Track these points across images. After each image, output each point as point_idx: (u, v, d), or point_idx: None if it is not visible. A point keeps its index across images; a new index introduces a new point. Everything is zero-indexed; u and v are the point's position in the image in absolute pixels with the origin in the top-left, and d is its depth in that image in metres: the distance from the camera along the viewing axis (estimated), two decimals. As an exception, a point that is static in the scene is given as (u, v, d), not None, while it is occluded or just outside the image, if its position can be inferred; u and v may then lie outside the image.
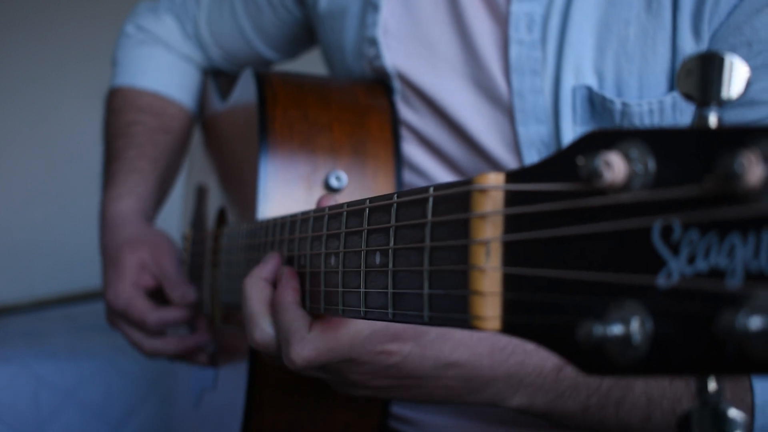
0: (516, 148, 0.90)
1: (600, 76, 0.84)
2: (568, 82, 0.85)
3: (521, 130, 0.88)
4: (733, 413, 0.35)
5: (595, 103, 0.84)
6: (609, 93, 0.83)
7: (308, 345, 0.65)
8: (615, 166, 0.35)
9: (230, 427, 0.97)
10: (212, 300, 1.17)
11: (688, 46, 0.79)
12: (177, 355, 1.08)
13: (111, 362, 1.67)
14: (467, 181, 0.44)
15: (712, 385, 0.36)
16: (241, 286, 0.72)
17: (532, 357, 0.71)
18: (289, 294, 0.68)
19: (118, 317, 1.07)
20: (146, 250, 1.07)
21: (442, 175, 0.97)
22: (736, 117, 0.77)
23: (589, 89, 0.84)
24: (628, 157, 0.36)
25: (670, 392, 0.72)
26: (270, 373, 0.91)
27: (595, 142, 0.37)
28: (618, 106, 0.82)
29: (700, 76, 0.37)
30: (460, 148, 0.95)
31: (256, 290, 0.71)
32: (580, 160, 0.36)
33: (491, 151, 0.92)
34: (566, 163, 0.38)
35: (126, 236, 1.10)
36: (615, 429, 0.75)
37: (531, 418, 0.91)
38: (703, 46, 0.78)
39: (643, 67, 0.81)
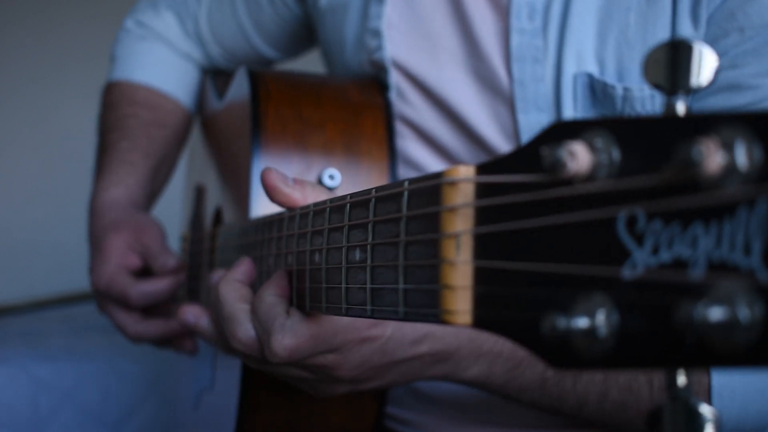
0: (516, 137, 0.90)
1: (601, 63, 0.84)
2: (570, 70, 0.85)
3: (522, 118, 0.88)
4: (704, 408, 0.35)
5: (596, 90, 0.84)
6: (611, 80, 0.83)
7: (289, 332, 0.64)
8: (579, 156, 0.35)
9: (226, 429, 0.96)
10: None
11: (687, 33, 0.79)
12: (162, 338, 1.07)
13: (109, 363, 1.66)
14: (438, 174, 0.44)
15: (681, 379, 0.35)
16: (215, 292, 0.71)
17: None
18: (272, 288, 0.67)
19: (103, 299, 1.06)
20: (130, 231, 1.06)
21: (441, 168, 0.97)
22: (723, 102, 0.77)
23: (590, 76, 0.84)
24: (592, 147, 0.35)
25: None
26: (264, 374, 0.90)
27: (560, 133, 0.37)
28: (620, 91, 0.82)
29: (668, 65, 0.36)
30: (459, 139, 0.95)
31: (231, 291, 0.70)
32: (544, 150, 0.36)
33: (490, 142, 0.92)
34: (534, 153, 0.38)
35: (110, 221, 1.09)
36: (573, 406, 0.75)
37: (528, 418, 0.90)
38: (701, 32, 0.79)
39: (644, 53, 0.81)
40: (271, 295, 0.67)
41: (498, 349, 0.72)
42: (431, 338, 0.70)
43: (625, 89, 0.82)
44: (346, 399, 0.92)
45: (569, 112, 0.85)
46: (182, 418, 1.29)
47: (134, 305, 1.03)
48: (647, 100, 0.82)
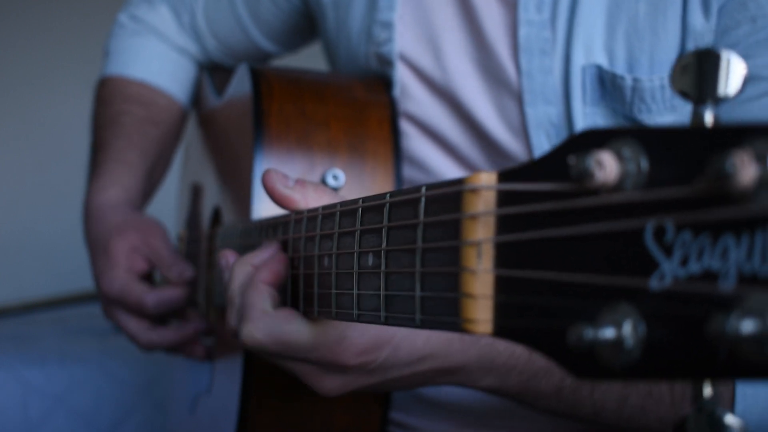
0: (523, 131, 0.89)
1: (611, 54, 0.84)
2: (579, 62, 0.85)
3: (529, 111, 0.88)
4: (730, 419, 0.35)
5: (605, 81, 0.84)
6: (620, 71, 0.83)
7: (262, 326, 0.62)
8: (607, 166, 0.35)
9: None
10: (207, 302, 1.16)
11: (698, 23, 0.79)
12: (174, 346, 1.06)
13: (102, 367, 1.63)
14: (459, 181, 0.44)
15: (707, 391, 0.35)
16: (229, 271, 0.70)
17: None
18: (265, 273, 0.66)
19: (114, 306, 1.05)
20: (136, 234, 1.06)
21: (446, 166, 0.96)
22: None
23: (599, 68, 0.84)
24: (620, 157, 0.35)
25: None
26: (265, 376, 0.90)
27: (587, 141, 0.37)
28: (629, 81, 0.82)
29: (696, 74, 0.36)
30: (465, 134, 0.94)
31: (241, 274, 0.68)
32: (572, 160, 0.36)
33: (496, 136, 0.91)
34: (559, 162, 0.38)
35: (114, 223, 1.08)
36: (589, 413, 0.74)
37: (535, 424, 0.90)
38: (712, 22, 0.78)
39: (654, 43, 0.81)
40: (263, 283, 0.65)
41: (512, 364, 0.71)
42: (433, 358, 0.68)
43: (635, 80, 0.82)
44: (350, 403, 0.91)
45: (578, 105, 0.85)
46: (177, 422, 1.27)
47: (150, 314, 1.02)
48: (656, 91, 0.81)
